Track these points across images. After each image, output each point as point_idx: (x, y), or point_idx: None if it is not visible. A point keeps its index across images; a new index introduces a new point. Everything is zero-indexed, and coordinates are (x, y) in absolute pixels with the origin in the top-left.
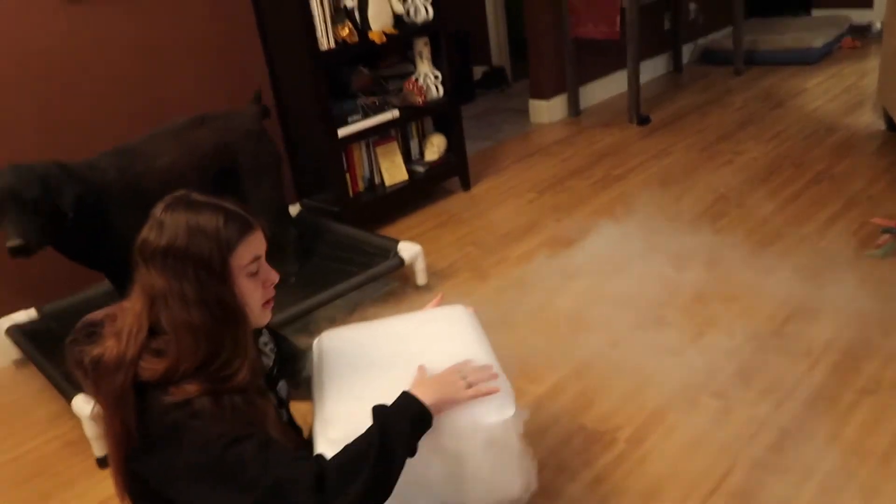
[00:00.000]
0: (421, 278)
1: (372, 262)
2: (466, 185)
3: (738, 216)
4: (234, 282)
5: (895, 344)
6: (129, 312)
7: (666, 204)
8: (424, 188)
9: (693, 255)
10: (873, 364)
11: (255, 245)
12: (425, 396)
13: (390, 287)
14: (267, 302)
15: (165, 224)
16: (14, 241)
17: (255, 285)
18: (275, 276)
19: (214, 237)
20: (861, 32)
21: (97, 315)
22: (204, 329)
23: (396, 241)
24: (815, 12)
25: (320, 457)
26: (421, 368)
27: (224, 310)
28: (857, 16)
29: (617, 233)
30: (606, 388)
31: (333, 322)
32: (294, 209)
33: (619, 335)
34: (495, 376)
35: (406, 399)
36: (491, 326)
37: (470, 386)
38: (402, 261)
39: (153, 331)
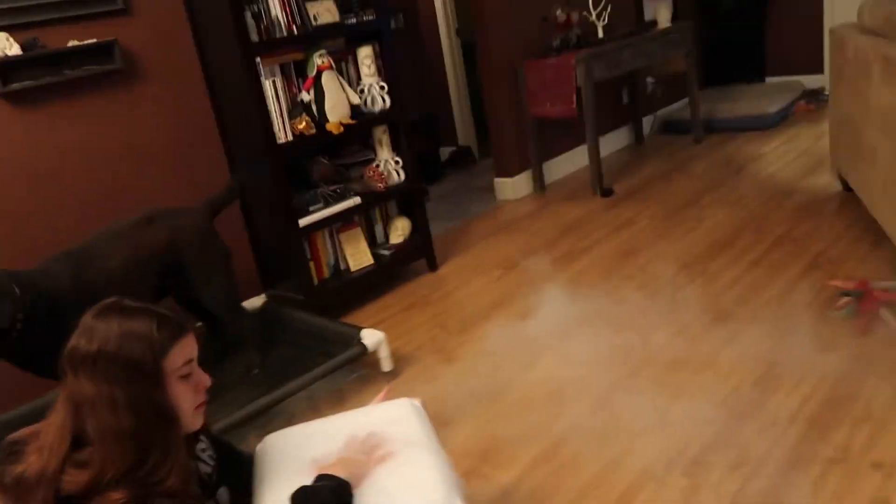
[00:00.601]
0: (386, 365)
1: (335, 351)
2: (433, 266)
3: (702, 283)
4: (166, 385)
5: (860, 409)
6: (51, 426)
7: (631, 274)
8: (391, 272)
9: (660, 325)
10: (841, 432)
11: (187, 349)
12: (337, 473)
13: (359, 374)
14: (199, 406)
15: (97, 330)
16: None
17: (187, 389)
18: (207, 380)
19: (147, 340)
20: (814, 97)
21: (21, 433)
22: (132, 434)
23: (359, 329)
24: (769, 79)
25: None
26: (314, 462)
27: (155, 413)
28: (810, 81)
29: (584, 306)
30: (575, 468)
31: (295, 417)
32: (259, 300)
33: (587, 410)
34: (384, 440)
35: (321, 478)
36: (457, 411)
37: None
38: (364, 349)
39: (78, 442)
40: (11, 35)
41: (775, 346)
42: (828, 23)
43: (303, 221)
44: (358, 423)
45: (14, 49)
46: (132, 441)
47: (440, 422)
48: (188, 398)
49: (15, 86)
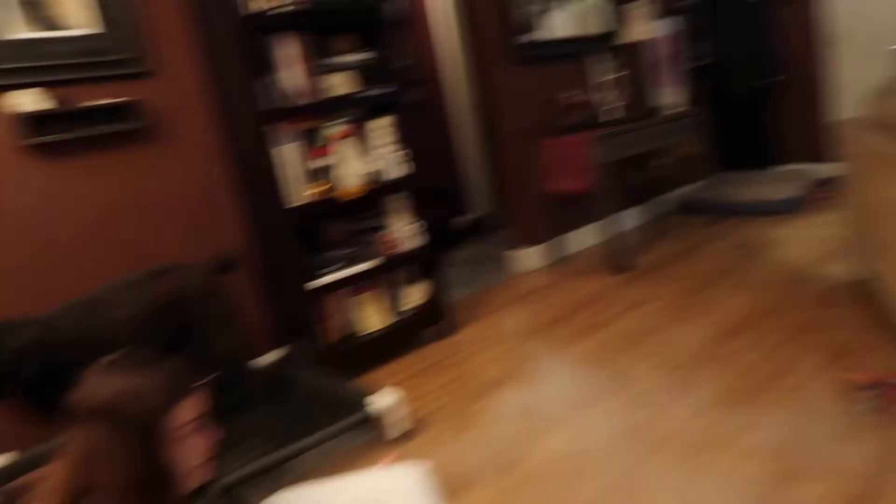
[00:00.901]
0: (397, 428)
1: (344, 412)
2: (448, 333)
3: (719, 367)
4: (169, 442)
5: None
6: (52, 476)
7: (646, 354)
8: (404, 336)
9: (676, 406)
10: None
11: (196, 405)
12: None
13: (371, 435)
14: (204, 462)
15: (104, 382)
16: None
17: (193, 445)
18: (215, 436)
19: (153, 397)
20: (832, 184)
21: (20, 482)
22: (131, 490)
23: (369, 392)
24: (787, 166)
25: None
26: None
27: (156, 471)
28: (823, 169)
29: (598, 381)
30: None
31: (307, 473)
32: (271, 357)
33: (605, 488)
34: None
35: None
36: (468, 480)
37: None
38: (374, 412)
39: (78, 494)
40: (46, 91)
41: (797, 438)
42: (843, 114)
43: (315, 284)
44: (362, 487)
45: (47, 104)
46: (131, 497)
47: (449, 490)
48: (193, 455)
49: (45, 138)
